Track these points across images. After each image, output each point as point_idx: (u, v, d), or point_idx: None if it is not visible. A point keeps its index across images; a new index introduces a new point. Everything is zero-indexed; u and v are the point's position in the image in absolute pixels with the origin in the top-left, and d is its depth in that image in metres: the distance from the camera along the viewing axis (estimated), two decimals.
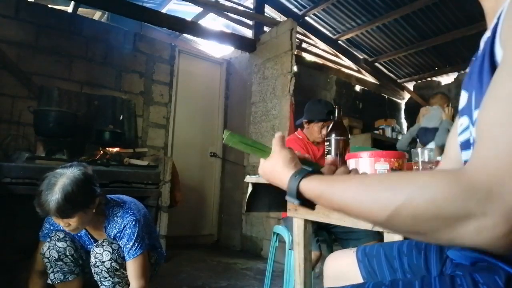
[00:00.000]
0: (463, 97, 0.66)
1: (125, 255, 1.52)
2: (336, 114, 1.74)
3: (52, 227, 1.70)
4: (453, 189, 0.41)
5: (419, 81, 5.83)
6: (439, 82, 5.63)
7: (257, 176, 1.85)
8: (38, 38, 3.15)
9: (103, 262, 1.50)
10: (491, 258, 0.56)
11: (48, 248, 1.60)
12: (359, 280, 0.83)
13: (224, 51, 4.83)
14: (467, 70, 0.73)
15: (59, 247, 1.60)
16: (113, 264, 1.51)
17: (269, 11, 4.61)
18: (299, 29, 4.15)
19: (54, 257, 1.60)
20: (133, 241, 1.51)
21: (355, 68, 5.57)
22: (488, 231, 0.39)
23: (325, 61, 5.34)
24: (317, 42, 5.11)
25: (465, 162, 0.66)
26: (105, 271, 1.51)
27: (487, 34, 0.57)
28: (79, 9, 3.49)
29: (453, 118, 2.95)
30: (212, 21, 4.92)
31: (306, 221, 1.26)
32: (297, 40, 4.16)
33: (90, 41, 3.42)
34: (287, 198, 0.63)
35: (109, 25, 3.71)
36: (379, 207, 0.47)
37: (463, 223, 0.40)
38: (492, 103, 0.43)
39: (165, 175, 3.07)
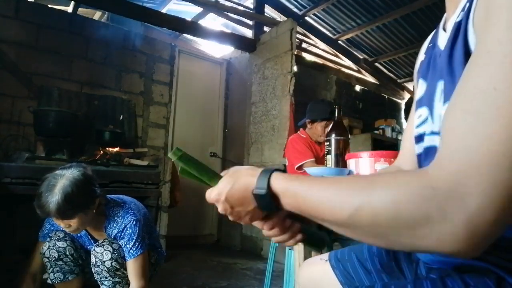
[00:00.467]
0: (421, 86, 0.63)
1: (126, 254, 1.52)
2: (336, 114, 1.75)
3: (52, 227, 1.70)
4: (413, 190, 0.39)
5: None
6: None
7: None
8: (38, 38, 3.15)
9: (104, 261, 1.50)
10: (478, 262, 0.54)
11: (48, 248, 1.60)
12: (336, 286, 0.80)
13: (224, 51, 4.83)
14: (422, 58, 0.69)
15: (59, 247, 1.60)
16: (113, 263, 1.51)
17: (269, 11, 4.61)
18: (299, 29, 4.15)
19: (54, 257, 1.60)
20: (133, 240, 1.51)
21: (355, 68, 5.57)
22: (448, 237, 0.37)
23: (325, 61, 5.34)
24: (317, 42, 5.12)
25: (418, 155, 0.64)
26: (105, 270, 1.51)
27: (453, 17, 0.52)
28: (79, 9, 3.49)
29: None
30: (212, 21, 4.92)
31: None
32: (297, 40, 4.16)
33: (90, 41, 3.42)
34: (255, 191, 0.57)
35: (109, 25, 3.71)
36: (340, 206, 0.45)
37: (423, 227, 0.38)
38: (460, 98, 0.40)
39: (165, 175, 3.07)
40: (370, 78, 5.73)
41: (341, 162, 1.58)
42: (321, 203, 0.48)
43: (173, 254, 3.28)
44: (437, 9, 4.03)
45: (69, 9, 3.65)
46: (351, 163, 1.37)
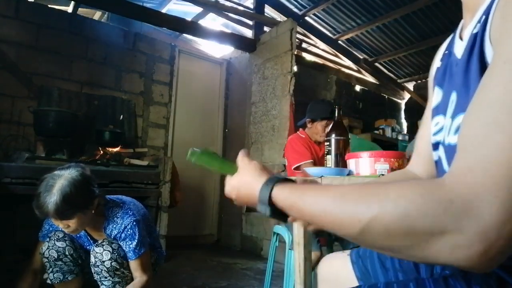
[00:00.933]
0: (438, 94, 0.63)
1: (130, 255, 1.53)
2: (336, 114, 1.75)
3: (51, 228, 1.70)
4: (427, 202, 0.38)
5: (419, 81, 5.83)
6: None
7: None
8: (38, 38, 3.15)
9: (103, 261, 1.50)
10: None
11: (48, 248, 1.60)
12: (352, 281, 0.83)
13: (224, 51, 4.83)
14: (438, 64, 0.69)
15: (59, 247, 1.60)
16: (113, 263, 1.51)
17: (269, 11, 4.61)
18: (299, 29, 4.15)
19: (54, 257, 1.59)
20: (135, 241, 1.52)
21: (355, 68, 5.57)
22: (462, 249, 0.36)
23: (325, 61, 5.34)
24: (317, 42, 5.12)
25: (436, 162, 0.65)
26: (105, 270, 1.51)
27: (470, 28, 0.53)
28: (79, 9, 3.49)
29: None
30: (212, 21, 4.92)
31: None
32: (297, 40, 4.15)
33: (90, 41, 3.42)
34: (258, 207, 0.58)
35: (109, 25, 3.71)
36: (351, 221, 0.43)
37: (437, 239, 0.37)
38: (477, 111, 0.40)
39: (165, 175, 3.07)
40: (370, 78, 5.73)
41: (341, 162, 1.58)
42: (328, 219, 0.47)
43: (173, 254, 3.28)
44: (437, 9, 4.03)
45: (69, 9, 3.65)
46: (351, 163, 1.37)
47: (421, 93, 5.73)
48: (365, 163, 1.30)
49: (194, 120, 4.28)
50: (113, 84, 3.55)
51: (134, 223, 1.54)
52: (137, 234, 1.53)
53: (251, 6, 4.36)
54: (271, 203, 0.56)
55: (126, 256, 1.55)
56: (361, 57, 5.35)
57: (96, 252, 1.51)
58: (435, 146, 0.63)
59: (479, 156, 0.37)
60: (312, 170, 1.48)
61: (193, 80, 4.32)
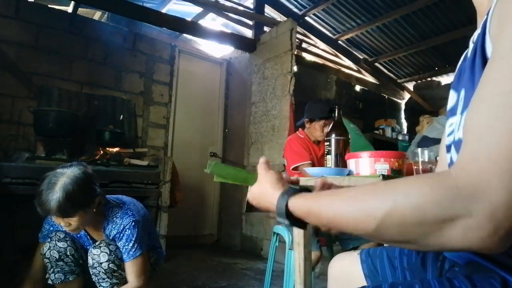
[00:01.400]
0: (452, 97, 0.65)
1: (125, 256, 1.52)
2: (336, 114, 1.75)
3: (51, 228, 1.69)
4: (436, 191, 0.40)
5: (419, 81, 5.83)
6: (439, 82, 5.63)
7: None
8: (38, 38, 3.15)
9: (101, 263, 1.50)
10: (482, 260, 0.56)
11: (49, 248, 1.60)
12: (360, 279, 0.85)
13: (224, 51, 4.83)
14: (456, 71, 0.72)
15: (60, 247, 1.60)
16: (110, 265, 1.50)
17: (269, 11, 4.61)
18: (299, 29, 4.15)
19: (55, 257, 1.59)
20: (132, 242, 1.51)
21: (355, 68, 5.57)
22: (474, 232, 0.38)
23: (325, 61, 5.34)
24: (317, 42, 5.11)
25: (450, 165, 0.66)
26: (102, 272, 1.51)
27: (478, 31, 0.56)
28: (79, 9, 3.48)
29: None
30: (212, 21, 4.92)
31: None
32: (297, 40, 4.15)
33: (90, 41, 3.42)
34: (278, 218, 0.62)
35: (109, 25, 3.71)
36: (366, 218, 0.46)
37: (449, 225, 0.39)
38: (479, 102, 0.42)
39: (165, 175, 3.07)
40: (370, 78, 5.73)
41: (341, 162, 1.58)
42: (345, 219, 0.49)
43: (173, 254, 3.28)
44: (437, 9, 4.03)
45: (69, 9, 3.65)
46: (351, 163, 1.37)
47: (421, 93, 5.73)
48: (365, 163, 1.30)
49: (194, 120, 4.28)
50: (113, 84, 3.55)
51: (133, 223, 1.53)
52: (134, 236, 1.51)
53: (251, 6, 4.36)
54: (288, 214, 0.59)
55: (123, 258, 1.54)
56: (361, 57, 5.35)
57: (94, 254, 1.51)
58: (448, 148, 0.64)
59: (482, 144, 0.39)
60: (312, 170, 1.48)
61: (193, 80, 4.32)
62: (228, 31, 4.67)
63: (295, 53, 3.72)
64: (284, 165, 2.74)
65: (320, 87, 4.86)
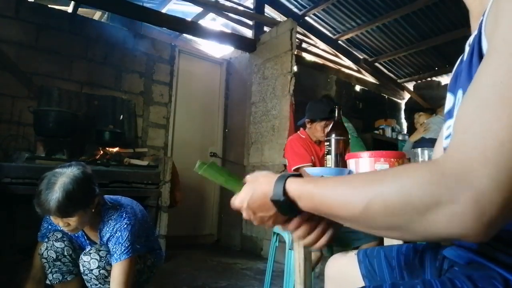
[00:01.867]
0: (449, 99, 0.66)
1: (112, 258, 1.48)
2: (336, 114, 1.75)
3: (50, 227, 1.69)
4: (422, 177, 0.41)
5: (419, 81, 5.83)
6: (439, 82, 5.63)
7: None
8: (38, 38, 3.15)
9: (91, 270, 1.48)
10: (483, 260, 0.56)
11: (46, 249, 1.60)
12: (358, 280, 0.84)
13: (224, 51, 4.83)
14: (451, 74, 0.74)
15: (57, 247, 1.59)
16: (101, 271, 1.49)
17: (269, 11, 4.61)
18: (299, 29, 4.14)
19: (52, 257, 1.59)
20: (120, 244, 1.47)
21: (355, 68, 5.57)
22: (458, 218, 0.38)
23: (325, 61, 5.34)
24: (317, 42, 5.11)
25: None
26: (94, 278, 1.50)
27: (474, 33, 0.57)
28: (79, 9, 3.48)
29: None
30: (212, 21, 4.92)
31: None
32: (297, 40, 4.15)
33: (90, 41, 3.42)
34: (273, 198, 0.60)
35: (109, 25, 3.71)
36: (354, 201, 0.47)
37: (434, 211, 0.40)
38: (471, 94, 0.43)
39: (165, 175, 3.07)
40: (370, 78, 5.73)
41: (341, 162, 1.58)
42: (335, 200, 0.50)
43: (173, 254, 3.28)
44: (437, 9, 4.03)
45: (69, 9, 3.65)
46: (351, 163, 1.37)
47: (421, 93, 5.73)
48: (365, 163, 1.30)
49: (194, 120, 4.28)
50: (113, 84, 3.55)
51: (125, 225, 1.50)
52: (124, 239, 1.48)
53: (251, 6, 4.36)
54: (285, 194, 0.58)
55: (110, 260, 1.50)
56: (361, 57, 5.35)
57: (84, 261, 1.49)
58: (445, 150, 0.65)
59: (470, 133, 0.40)
60: (312, 170, 1.47)
61: (193, 80, 4.32)
62: (228, 31, 4.68)
63: (295, 53, 3.72)
64: (284, 165, 2.74)
65: (320, 87, 4.86)
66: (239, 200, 0.67)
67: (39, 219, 1.71)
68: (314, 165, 2.26)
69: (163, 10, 4.28)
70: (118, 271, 1.46)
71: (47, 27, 3.20)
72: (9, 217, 2.64)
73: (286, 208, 0.59)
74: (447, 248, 0.68)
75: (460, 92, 0.57)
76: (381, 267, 0.82)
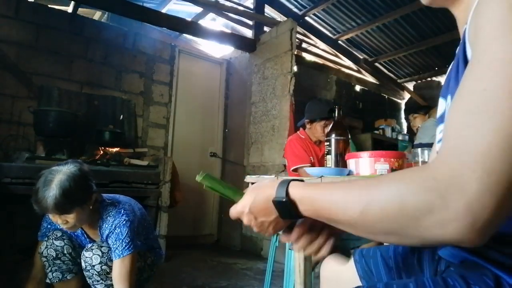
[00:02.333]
0: (441, 104, 0.67)
1: (112, 254, 1.49)
2: (336, 114, 1.75)
3: (50, 226, 1.69)
4: (416, 183, 0.42)
5: (419, 81, 5.83)
6: (439, 82, 5.63)
7: (257, 176, 1.85)
8: (38, 38, 3.15)
9: (93, 266, 1.49)
10: (476, 258, 0.57)
11: (46, 247, 1.60)
12: (355, 280, 0.84)
13: (224, 51, 4.83)
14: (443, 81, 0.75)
15: (57, 246, 1.60)
16: (103, 267, 1.49)
17: (269, 11, 4.61)
18: (299, 29, 4.14)
19: (52, 256, 1.59)
20: (120, 240, 1.48)
21: (355, 68, 5.57)
22: (452, 224, 0.39)
23: (325, 61, 5.34)
24: (317, 42, 5.11)
25: None
26: (96, 274, 1.50)
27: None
28: (79, 9, 3.48)
29: None
30: (212, 21, 4.92)
31: None
32: (297, 40, 4.15)
33: (90, 41, 3.42)
34: (274, 198, 0.60)
35: (109, 25, 3.71)
36: (352, 205, 0.48)
37: (427, 217, 0.40)
38: (457, 101, 0.44)
39: (165, 175, 3.07)
40: (370, 78, 5.73)
41: (341, 162, 1.58)
42: (334, 204, 0.51)
43: (173, 254, 3.28)
44: (437, 9, 4.01)
45: (69, 9, 3.65)
46: (351, 163, 1.37)
47: (421, 93, 5.73)
48: (365, 163, 1.30)
49: (194, 120, 4.28)
50: (113, 84, 3.55)
51: (124, 222, 1.51)
52: (124, 235, 1.48)
53: (251, 6, 4.36)
54: (287, 195, 0.59)
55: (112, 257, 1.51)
56: (361, 57, 5.35)
57: (86, 257, 1.50)
58: None
59: (460, 139, 0.41)
60: (312, 170, 1.48)
61: (193, 80, 4.32)
62: (228, 31, 4.68)
63: (295, 53, 3.72)
64: (284, 165, 2.74)
65: (320, 87, 4.86)
66: (241, 205, 0.68)
67: (39, 219, 1.71)
68: (313, 166, 2.26)
69: (163, 10, 4.28)
70: (120, 267, 1.46)
71: (47, 27, 3.20)
72: (9, 217, 2.64)
73: (287, 210, 0.59)
74: (442, 248, 0.68)
75: (449, 97, 0.58)
76: (378, 268, 0.82)
